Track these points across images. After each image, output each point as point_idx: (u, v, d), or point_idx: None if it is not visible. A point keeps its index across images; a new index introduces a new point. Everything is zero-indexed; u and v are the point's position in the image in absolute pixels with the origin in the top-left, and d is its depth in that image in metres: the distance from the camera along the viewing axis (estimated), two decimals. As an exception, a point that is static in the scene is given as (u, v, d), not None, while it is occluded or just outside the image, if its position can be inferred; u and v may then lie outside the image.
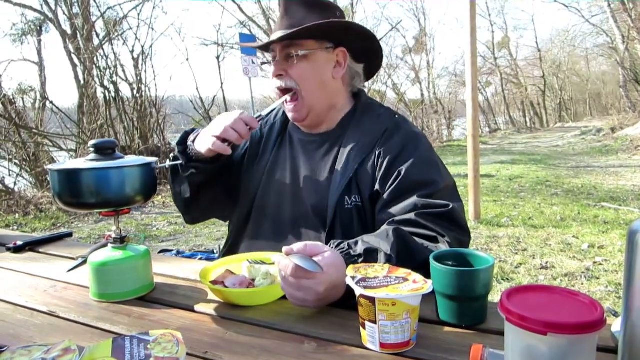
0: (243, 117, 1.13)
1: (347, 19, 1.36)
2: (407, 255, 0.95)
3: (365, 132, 1.21)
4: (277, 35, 1.19)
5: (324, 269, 0.84)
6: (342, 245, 0.96)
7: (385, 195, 1.13)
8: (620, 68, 17.44)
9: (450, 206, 1.08)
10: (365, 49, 1.27)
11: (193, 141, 1.20)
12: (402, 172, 1.12)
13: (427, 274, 0.83)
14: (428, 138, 1.35)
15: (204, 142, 1.14)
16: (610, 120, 15.15)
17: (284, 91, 1.23)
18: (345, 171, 1.17)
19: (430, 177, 1.13)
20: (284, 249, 0.88)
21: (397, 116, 1.26)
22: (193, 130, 1.28)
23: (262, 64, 1.34)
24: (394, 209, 1.10)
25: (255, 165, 1.34)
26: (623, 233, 4.13)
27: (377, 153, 1.18)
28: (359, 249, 0.95)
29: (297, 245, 0.88)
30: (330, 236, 1.14)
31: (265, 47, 1.26)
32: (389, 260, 0.92)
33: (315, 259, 0.86)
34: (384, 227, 1.03)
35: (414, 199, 1.09)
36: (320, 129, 1.29)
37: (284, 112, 1.36)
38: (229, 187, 1.35)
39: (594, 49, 23.43)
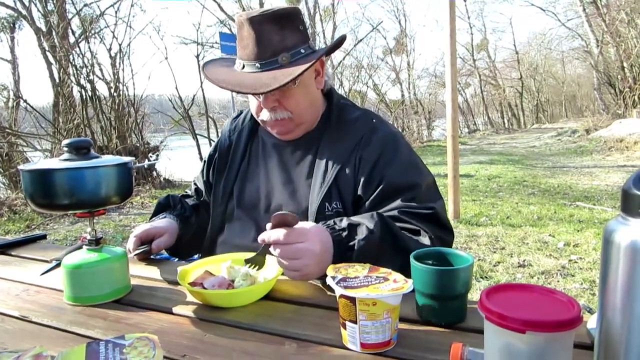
0: (133, 240, 1.20)
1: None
2: (389, 236, 0.98)
3: (343, 138, 1.20)
4: (274, 80, 1.08)
5: (312, 230, 0.90)
6: (327, 222, 0.99)
7: (368, 202, 1.14)
8: (594, 71, 17.87)
9: (434, 209, 1.09)
10: (333, 47, 1.24)
11: None
12: (384, 179, 1.13)
13: (406, 262, 0.85)
14: (408, 138, 1.37)
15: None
16: (584, 122, 15.50)
17: (275, 121, 1.19)
18: (325, 177, 1.16)
19: (412, 180, 1.14)
20: (260, 237, 0.91)
21: (374, 120, 1.24)
22: (167, 199, 1.40)
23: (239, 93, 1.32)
24: (363, 208, 1.12)
25: (226, 174, 1.32)
26: (597, 231, 4.22)
27: (356, 158, 1.16)
28: (343, 223, 0.98)
29: (274, 219, 0.91)
30: None
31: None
32: (370, 233, 0.95)
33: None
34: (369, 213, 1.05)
35: (397, 203, 1.10)
36: (296, 136, 1.25)
37: (252, 116, 1.33)
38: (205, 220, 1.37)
39: (570, 52, 23.97)
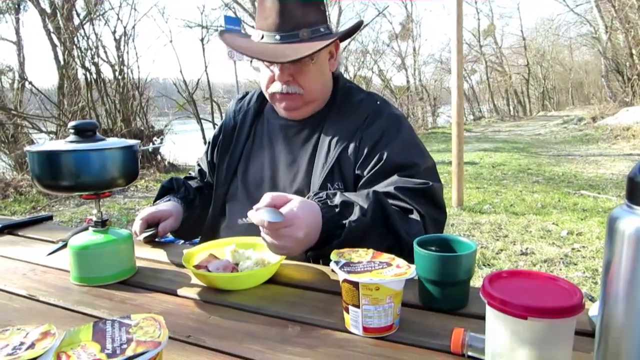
0: (140, 221, 1.21)
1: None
2: (381, 218, 0.98)
3: (347, 119, 1.21)
4: (295, 51, 1.10)
5: (299, 214, 0.88)
6: (320, 195, 0.99)
7: (365, 179, 1.14)
8: (602, 58, 17.65)
9: (429, 184, 1.09)
10: (351, 31, 1.26)
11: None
12: (384, 156, 1.13)
13: (393, 244, 0.90)
14: (412, 124, 1.38)
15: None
16: (591, 110, 15.36)
17: (285, 95, 1.19)
18: (327, 158, 1.17)
19: (411, 159, 1.14)
20: (254, 207, 0.91)
21: (378, 102, 1.25)
22: (170, 181, 1.41)
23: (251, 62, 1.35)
24: (374, 188, 1.11)
25: (230, 154, 1.33)
26: (601, 220, 4.22)
27: (359, 139, 1.17)
28: (337, 200, 0.98)
29: (264, 199, 0.91)
30: None
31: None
32: (362, 215, 0.95)
33: (283, 209, 0.88)
34: (365, 190, 1.06)
35: (394, 178, 1.11)
36: (303, 115, 1.26)
37: (257, 98, 1.35)
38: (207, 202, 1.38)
39: (578, 38, 23.68)
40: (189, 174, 1.53)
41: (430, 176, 1.14)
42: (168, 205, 1.30)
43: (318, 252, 0.99)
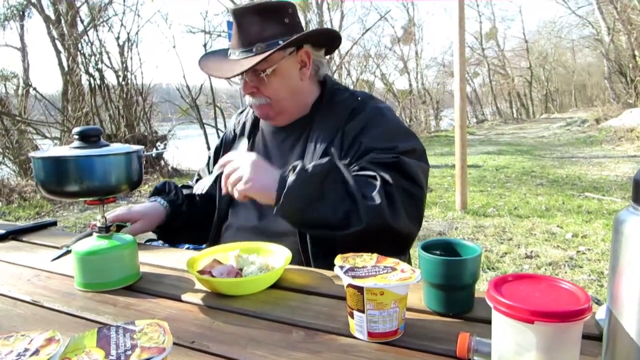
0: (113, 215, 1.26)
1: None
2: (331, 178, 1.05)
3: (331, 118, 1.24)
4: (240, 66, 1.18)
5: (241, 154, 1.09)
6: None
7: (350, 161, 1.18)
8: (605, 60, 17.62)
9: (398, 157, 1.11)
10: (325, 36, 1.30)
11: None
12: (363, 146, 1.17)
13: (352, 210, 1.02)
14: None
15: None
16: (594, 112, 15.32)
17: (254, 105, 1.28)
18: (314, 154, 1.20)
19: (390, 144, 1.16)
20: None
21: (359, 98, 1.28)
22: (163, 185, 1.44)
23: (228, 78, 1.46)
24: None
25: None
26: (606, 222, 4.20)
27: (342, 133, 1.21)
28: (287, 169, 1.07)
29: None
30: None
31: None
32: (303, 171, 1.03)
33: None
34: None
35: (369, 155, 1.14)
36: (285, 122, 1.31)
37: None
38: (201, 211, 1.43)
39: (580, 40, 23.62)
40: (187, 183, 1.56)
41: (410, 156, 1.15)
42: (145, 206, 1.34)
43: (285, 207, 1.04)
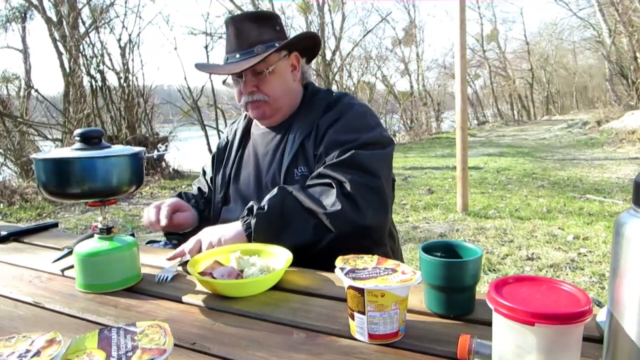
0: (161, 207, 1.31)
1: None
2: (287, 204, 1.16)
3: (309, 114, 1.34)
4: (247, 63, 1.27)
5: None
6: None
7: (317, 158, 1.27)
8: (606, 62, 17.60)
9: (352, 152, 1.20)
10: (309, 46, 1.43)
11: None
12: (329, 137, 1.26)
13: (319, 221, 1.12)
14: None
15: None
16: (596, 113, 15.30)
17: (252, 103, 1.34)
18: (292, 147, 1.30)
19: (352, 136, 1.24)
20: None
21: (334, 94, 1.38)
22: (179, 195, 1.49)
23: (223, 82, 1.56)
24: (317, 167, 1.25)
25: (223, 166, 1.47)
26: (607, 224, 4.19)
27: (316, 126, 1.30)
28: (245, 212, 1.17)
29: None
30: None
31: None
32: (260, 209, 1.14)
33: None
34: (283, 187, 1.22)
35: (328, 157, 1.23)
36: (277, 121, 1.40)
37: (245, 118, 1.52)
38: None
39: (581, 42, 23.57)
40: (191, 187, 1.64)
41: (370, 147, 1.23)
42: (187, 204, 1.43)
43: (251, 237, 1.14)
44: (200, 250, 1.12)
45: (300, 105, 1.41)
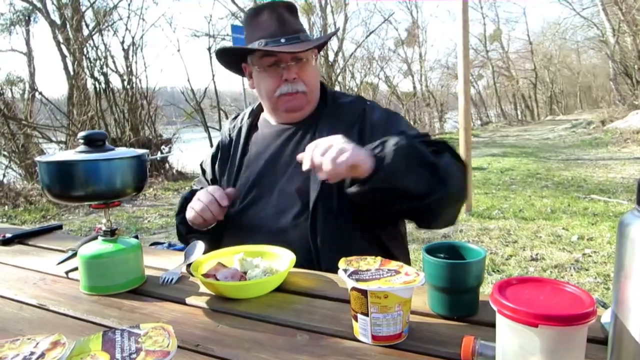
0: (216, 194, 1.20)
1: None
2: (414, 151, 1.06)
3: (340, 119, 1.29)
4: (308, 44, 1.25)
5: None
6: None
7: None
8: (610, 61, 17.55)
9: (445, 140, 1.18)
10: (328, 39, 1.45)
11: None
12: (394, 131, 1.19)
13: (434, 179, 1.03)
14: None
15: (189, 218, 1.24)
16: (600, 113, 15.25)
17: (290, 94, 1.28)
18: None
19: (420, 132, 1.25)
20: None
21: (368, 102, 1.35)
22: (192, 193, 1.36)
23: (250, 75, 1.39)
24: None
25: (229, 166, 1.39)
26: (612, 225, 4.17)
27: (357, 130, 1.25)
28: (376, 142, 1.06)
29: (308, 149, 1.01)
30: (314, 216, 1.19)
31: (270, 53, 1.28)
32: (398, 143, 1.03)
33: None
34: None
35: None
36: (303, 115, 1.34)
37: (250, 114, 1.45)
38: None
39: (585, 42, 23.51)
40: (193, 187, 1.52)
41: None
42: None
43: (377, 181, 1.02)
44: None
45: (321, 106, 1.36)
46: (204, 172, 1.51)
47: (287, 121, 1.36)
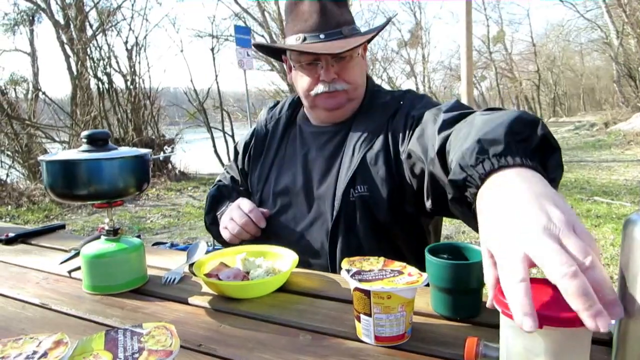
0: (252, 215, 1.16)
1: None
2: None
3: (371, 122, 1.19)
4: (352, 42, 1.11)
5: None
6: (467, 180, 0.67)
7: (408, 140, 1.06)
8: (614, 63, 17.49)
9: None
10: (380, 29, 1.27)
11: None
12: (416, 115, 1.08)
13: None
14: None
15: (225, 237, 1.21)
16: (603, 115, 15.21)
17: (330, 93, 1.18)
18: (351, 163, 1.14)
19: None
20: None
21: (402, 102, 1.20)
22: (218, 189, 1.33)
23: (289, 70, 1.26)
24: (425, 136, 0.94)
25: (262, 162, 1.31)
26: (615, 227, 4.16)
27: (385, 134, 1.15)
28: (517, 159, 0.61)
29: None
30: (335, 227, 1.14)
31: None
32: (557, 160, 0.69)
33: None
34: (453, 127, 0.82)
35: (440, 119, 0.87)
36: (344, 116, 1.25)
37: (289, 106, 1.35)
38: None
39: (588, 44, 23.47)
40: (219, 180, 1.45)
41: None
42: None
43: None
44: None
45: (361, 106, 1.25)
46: (236, 154, 1.41)
47: (326, 120, 1.26)
